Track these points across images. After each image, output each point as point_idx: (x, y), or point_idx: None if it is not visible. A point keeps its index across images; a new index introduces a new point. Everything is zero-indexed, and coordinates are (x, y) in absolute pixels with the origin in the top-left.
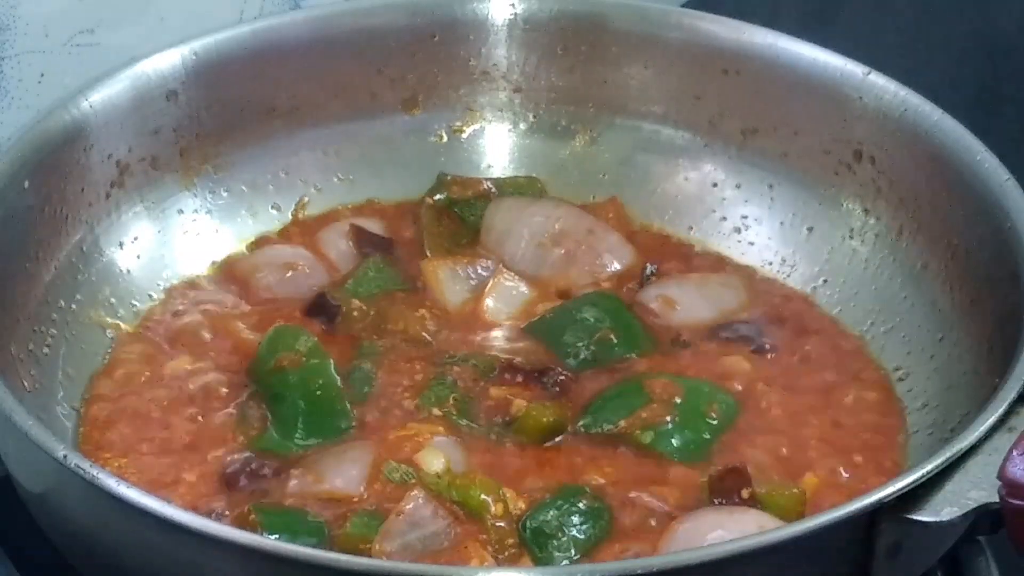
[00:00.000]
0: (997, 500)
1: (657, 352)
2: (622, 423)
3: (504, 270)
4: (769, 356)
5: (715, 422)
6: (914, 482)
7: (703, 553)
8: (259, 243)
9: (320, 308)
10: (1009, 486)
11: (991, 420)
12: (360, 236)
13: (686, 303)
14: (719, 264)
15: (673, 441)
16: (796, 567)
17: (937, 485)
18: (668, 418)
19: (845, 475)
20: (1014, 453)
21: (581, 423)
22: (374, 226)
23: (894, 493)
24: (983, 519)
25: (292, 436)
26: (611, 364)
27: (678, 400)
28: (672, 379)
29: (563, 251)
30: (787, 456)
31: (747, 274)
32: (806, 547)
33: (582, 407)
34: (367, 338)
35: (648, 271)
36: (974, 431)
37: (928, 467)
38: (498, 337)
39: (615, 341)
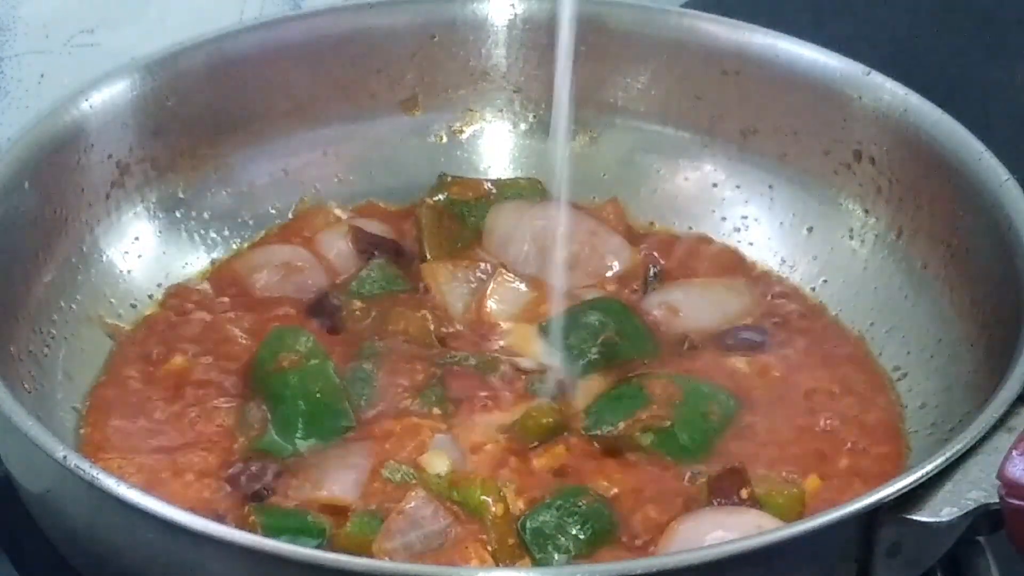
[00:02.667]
0: (997, 500)
1: (662, 355)
2: (622, 425)
3: (505, 272)
4: (771, 358)
5: (715, 422)
6: (914, 482)
7: (703, 554)
8: (258, 243)
9: (321, 308)
10: (1009, 486)
11: (991, 420)
12: (359, 237)
13: (690, 310)
14: (721, 263)
15: (673, 442)
16: (795, 567)
17: (936, 485)
18: (668, 419)
19: (845, 475)
20: (1014, 453)
21: (582, 425)
22: (374, 227)
23: (893, 493)
24: (983, 519)
25: (292, 437)
26: (616, 367)
27: (678, 401)
28: (672, 379)
29: (566, 253)
30: (787, 457)
31: (747, 275)
32: (805, 547)
33: (583, 409)
34: (368, 338)
35: (652, 272)
36: (973, 431)
37: (927, 467)
38: (500, 338)
39: (620, 344)
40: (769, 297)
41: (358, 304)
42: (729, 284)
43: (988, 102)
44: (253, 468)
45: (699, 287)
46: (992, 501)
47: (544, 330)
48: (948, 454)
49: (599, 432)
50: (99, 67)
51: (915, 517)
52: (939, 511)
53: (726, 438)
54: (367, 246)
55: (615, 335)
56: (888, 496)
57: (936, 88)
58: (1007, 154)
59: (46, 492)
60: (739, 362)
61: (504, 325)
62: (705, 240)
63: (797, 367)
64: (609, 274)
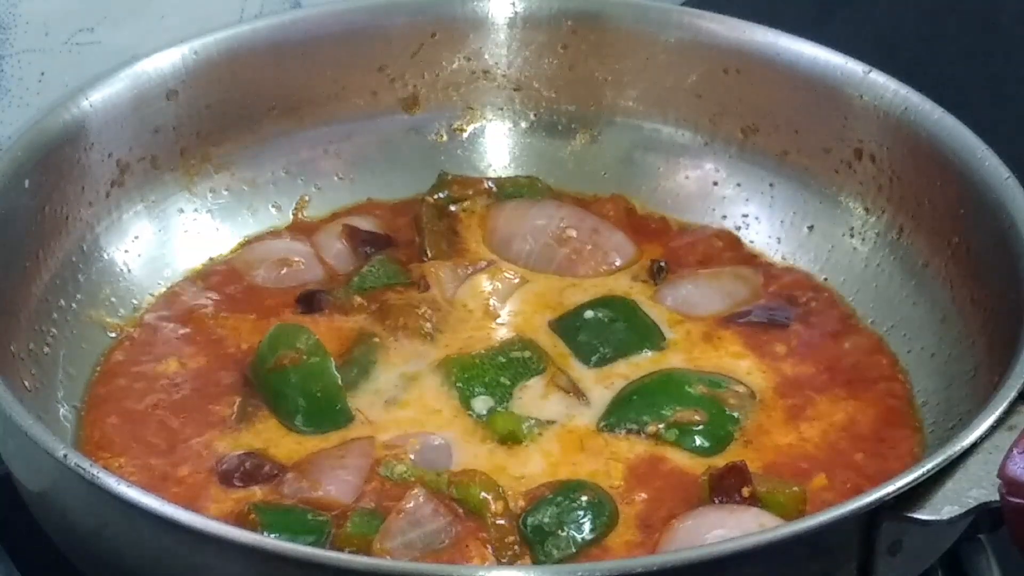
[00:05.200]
0: (997, 499)
1: (671, 347)
2: (648, 423)
3: (507, 270)
4: (776, 353)
5: (736, 415)
6: (914, 481)
7: (703, 552)
8: (255, 240)
9: (315, 302)
10: (1009, 484)
11: (991, 418)
12: (354, 235)
13: (700, 298)
14: (725, 255)
15: (696, 439)
16: (796, 566)
17: (937, 484)
18: (698, 418)
19: (849, 474)
20: (1014, 451)
21: (604, 423)
22: (374, 225)
23: (894, 492)
24: (984, 517)
25: (291, 434)
26: (626, 361)
27: (702, 395)
28: (696, 377)
29: (568, 250)
30: (791, 455)
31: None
32: (806, 546)
33: (601, 406)
34: (368, 332)
35: (657, 267)
36: (974, 429)
37: (928, 465)
38: (503, 335)
39: (628, 338)
40: (777, 281)
41: (358, 299)
42: (736, 272)
43: (989, 100)
44: (247, 465)
45: (707, 277)
46: (992, 499)
47: (555, 330)
48: (948, 453)
49: (623, 430)
50: (100, 65)
51: (916, 515)
52: (940, 509)
53: (740, 435)
54: (361, 243)
55: (622, 331)
56: (888, 495)
57: (937, 86)
58: (1008, 152)
59: (46, 491)
60: (747, 359)
61: (507, 322)
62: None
63: (802, 368)
64: (613, 270)
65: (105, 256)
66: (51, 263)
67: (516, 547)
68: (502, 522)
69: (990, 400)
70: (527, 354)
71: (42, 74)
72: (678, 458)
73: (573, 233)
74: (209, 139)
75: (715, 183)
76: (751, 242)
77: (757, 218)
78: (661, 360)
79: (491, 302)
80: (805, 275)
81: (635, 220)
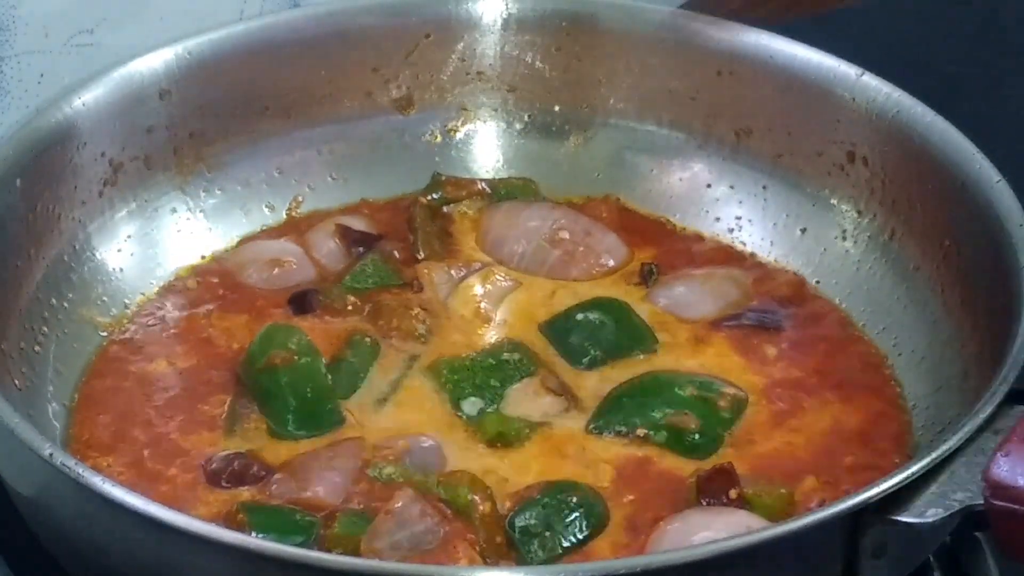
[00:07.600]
0: (982, 501)
1: (661, 350)
2: (637, 425)
3: (499, 271)
4: (766, 356)
5: (728, 416)
6: (899, 483)
7: (687, 553)
8: (247, 239)
9: (307, 303)
10: (993, 487)
11: (977, 422)
12: (346, 234)
13: (692, 300)
14: (718, 256)
15: (685, 441)
16: (780, 568)
17: (922, 486)
18: (688, 420)
19: (837, 476)
20: (998, 454)
21: (593, 425)
22: (367, 225)
23: (878, 494)
24: (969, 520)
25: (282, 434)
26: (617, 363)
27: (692, 397)
28: (686, 379)
29: (561, 252)
30: (780, 458)
31: (742, 264)
32: (790, 548)
33: (592, 408)
34: (360, 333)
35: (648, 270)
36: (959, 433)
37: (913, 468)
38: (495, 337)
39: (619, 341)
40: (769, 289)
41: (351, 299)
42: (728, 274)
43: (980, 103)
44: (236, 465)
45: (699, 279)
46: (977, 502)
47: (547, 331)
48: (933, 456)
49: (613, 433)
50: (99, 67)
51: (900, 518)
52: (924, 512)
53: (730, 437)
54: (354, 243)
55: (614, 333)
56: (872, 497)
57: (928, 89)
58: (999, 155)
59: (34, 491)
60: (737, 361)
61: (499, 324)
62: (699, 239)
63: (792, 370)
64: (606, 272)
65: (97, 255)
66: (43, 262)
67: (503, 548)
68: (490, 523)
69: (976, 404)
70: (517, 356)
71: (41, 76)
72: (666, 460)
73: (566, 235)
74: (202, 139)
75: (708, 185)
76: (744, 244)
77: (750, 220)
78: (652, 362)
79: (483, 305)
80: (797, 278)
81: (628, 222)
